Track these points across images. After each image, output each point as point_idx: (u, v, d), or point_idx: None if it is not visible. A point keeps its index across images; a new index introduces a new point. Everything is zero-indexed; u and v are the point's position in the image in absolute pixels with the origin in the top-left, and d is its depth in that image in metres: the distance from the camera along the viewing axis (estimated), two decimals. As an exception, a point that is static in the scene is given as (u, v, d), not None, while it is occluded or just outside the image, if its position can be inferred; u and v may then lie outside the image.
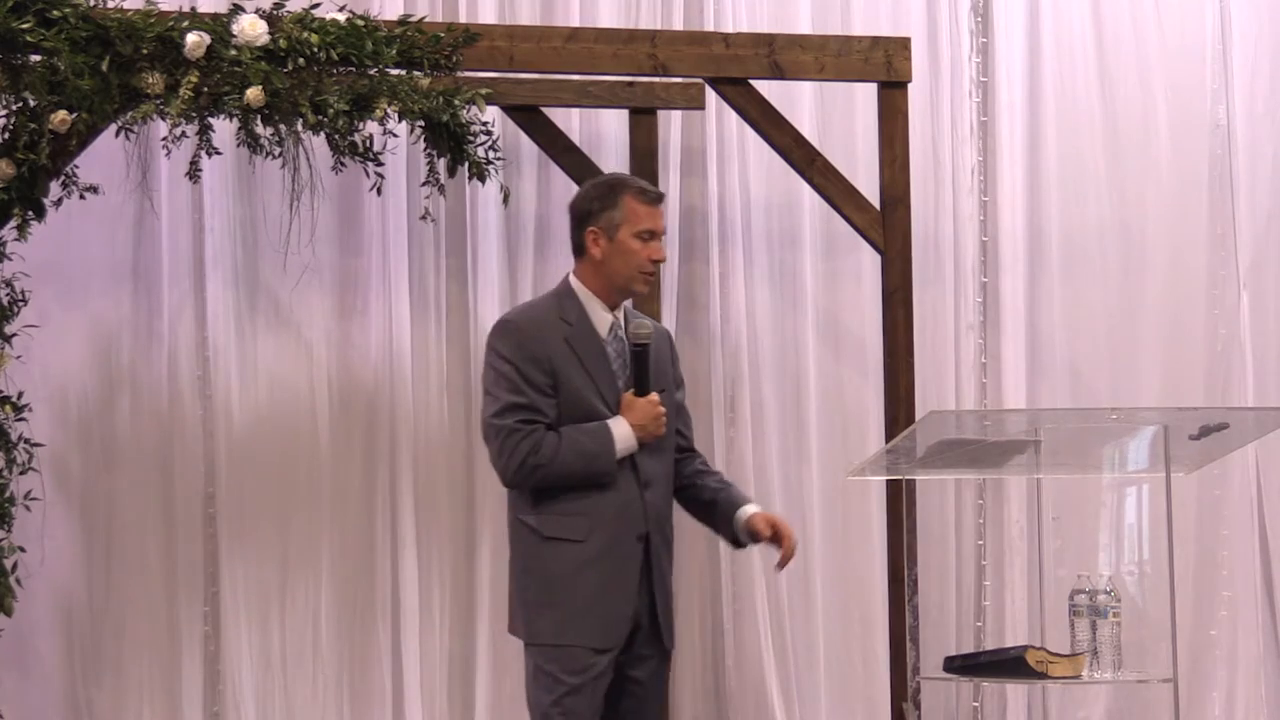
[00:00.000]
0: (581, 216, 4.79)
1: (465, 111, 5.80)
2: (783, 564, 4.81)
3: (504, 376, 4.70)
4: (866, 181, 6.47)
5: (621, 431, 4.66)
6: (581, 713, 4.59)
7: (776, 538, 4.78)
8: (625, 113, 6.61)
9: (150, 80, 5.55)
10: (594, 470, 4.64)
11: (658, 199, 4.81)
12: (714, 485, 4.93)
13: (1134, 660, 5.27)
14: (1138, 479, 6.23)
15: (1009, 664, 5.00)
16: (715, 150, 6.89)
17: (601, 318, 4.78)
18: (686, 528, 6.77)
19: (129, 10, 5.60)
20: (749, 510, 4.84)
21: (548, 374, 4.68)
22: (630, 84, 6.48)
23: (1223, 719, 7.11)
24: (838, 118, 6.97)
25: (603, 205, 4.76)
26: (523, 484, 4.67)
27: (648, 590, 4.71)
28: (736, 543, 4.90)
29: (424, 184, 5.88)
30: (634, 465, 4.69)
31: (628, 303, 4.91)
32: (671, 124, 6.80)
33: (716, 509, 4.88)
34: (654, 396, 4.71)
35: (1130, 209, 7.22)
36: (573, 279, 4.82)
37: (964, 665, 5.18)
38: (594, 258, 4.76)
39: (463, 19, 6.53)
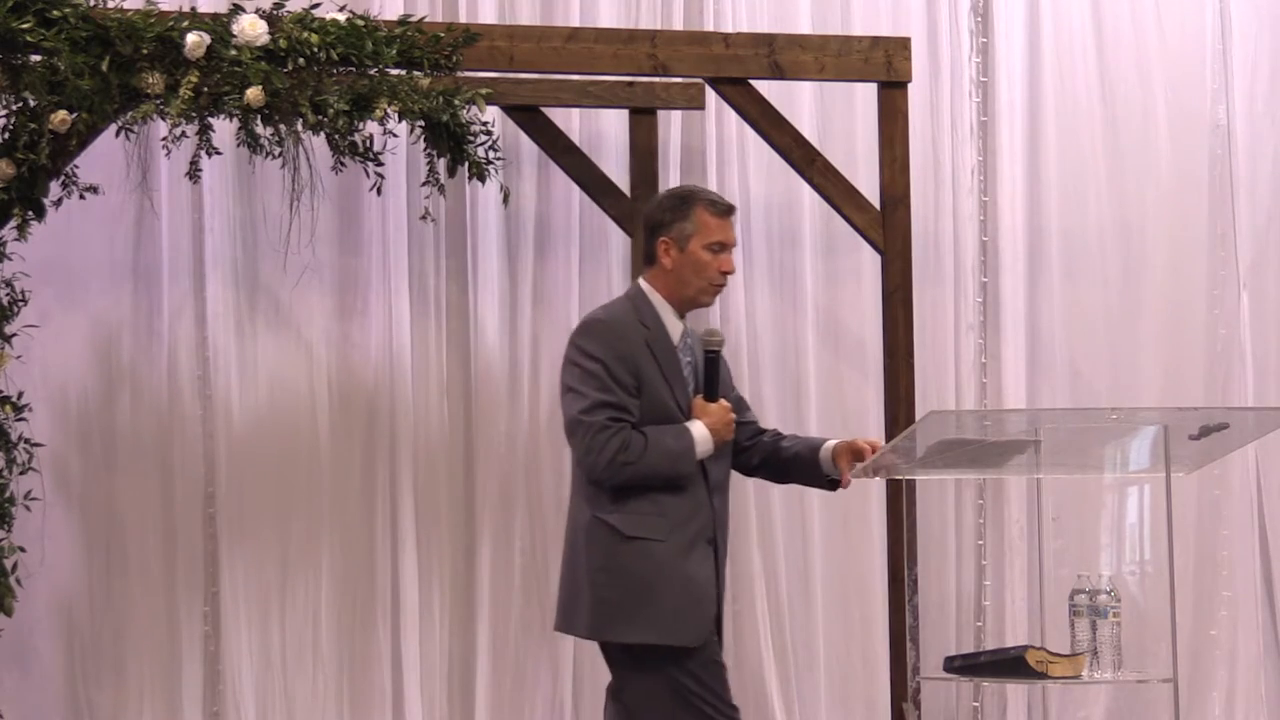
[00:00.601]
0: (654, 226, 4.88)
1: (465, 111, 5.79)
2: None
3: (592, 375, 4.75)
4: (866, 181, 6.46)
5: (700, 434, 4.75)
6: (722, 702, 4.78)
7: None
8: (625, 113, 6.62)
9: (150, 80, 5.55)
10: (677, 471, 4.71)
11: (728, 211, 4.90)
12: (789, 443, 5.05)
13: (1134, 660, 5.27)
14: (1138, 479, 6.22)
15: (1009, 664, 4.99)
16: (715, 150, 6.89)
17: (673, 324, 4.87)
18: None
19: (129, 10, 5.60)
20: (830, 444, 4.95)
21: (633, 374, 4.76)
22: (630, 84, 6.48)
23: (1223, 719, 7.11)
24: (838, 118, 6.97)
25: (674, 216, 4.85)
26: (609, 480, 4.72)
27: (717, 595, 4.80)
28: (832, 484, 4.99)
29: (424, 184, 5.88)
30: (704, 470, 4.78)
31: None
32: (671, 124, 6.81)
33: (800, 461, 4.99)
34: (724, 402, 4.82)
35: (1130, 209, 7.22)
36: (644, 285, 4.90)
37: (964, 665, 5.17)
38: (665, 267, 4.86)
39: (463, 19, 6.53)
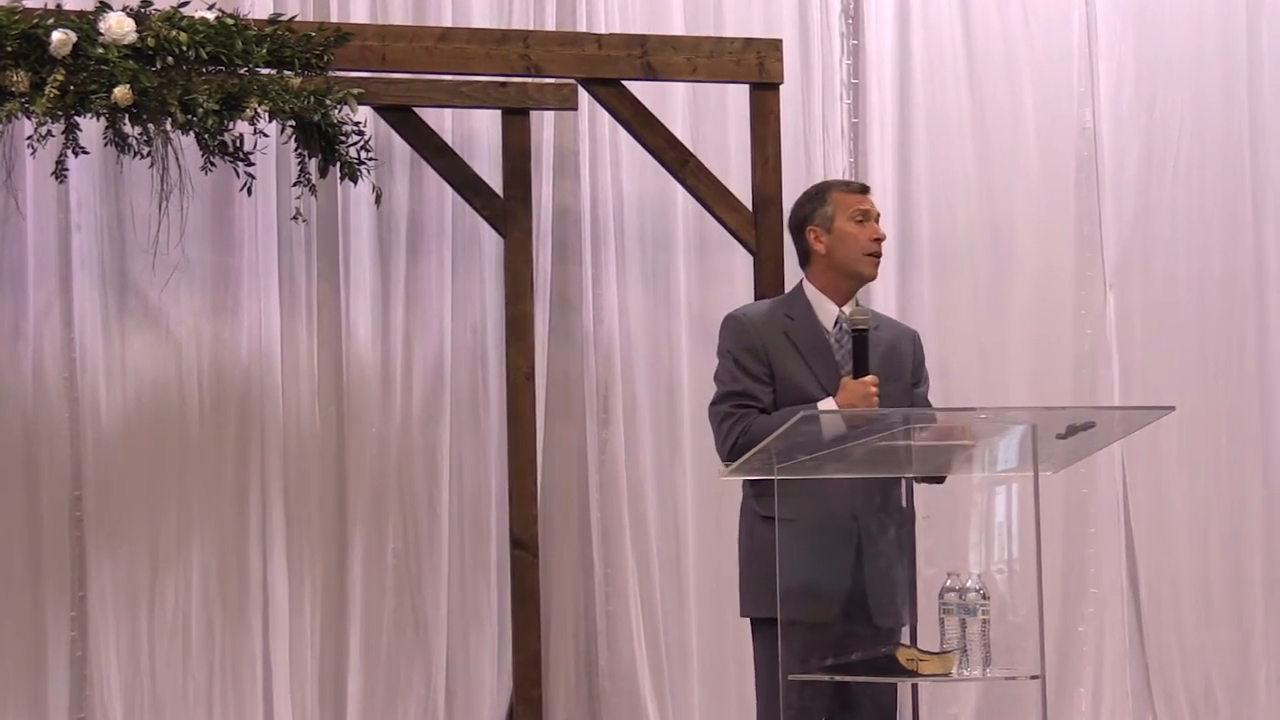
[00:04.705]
0: (799, 223, 5.13)
1: (337, 111, 5.77)
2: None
3: (723, 367, 5.05)
4: (739, 183, 6.50)
5: (826, 410, 4.83)
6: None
7: None
8: (498, 113, 6.59)
9: (15, 78, 5.47)
10: None
11: (863, 188, 5.13)
12: None
13: (1003, 657, 5.31)
14: (1006, 478, 6.28)
15: (880, 662, 5.02)
16: (588, 151, 6.89)
17: (827, 312, 5.06)
18: (558, 530, 6.79)
19: (-8, 7, 5.53)
20: None
21: (764, 363, 4.99)
22: (503, 84, 6.45)
23: (1089, 714, 7.20)
24: (710, 119, 6.99)
25: (814, 205, 5.11)
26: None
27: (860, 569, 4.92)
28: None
29: (295, 184, 5.84)
30: None
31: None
32: (544, 125, 6.79)
33: None
34: (869, 378, 4.89)
35: (999, 210, 7.29)
36: (805, 283, 5.14)
37: (835, 664, 5.20)
38: (820, 254, 5.09)
39: (334, 18, 6.48)
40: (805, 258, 5.15)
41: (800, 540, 4.84)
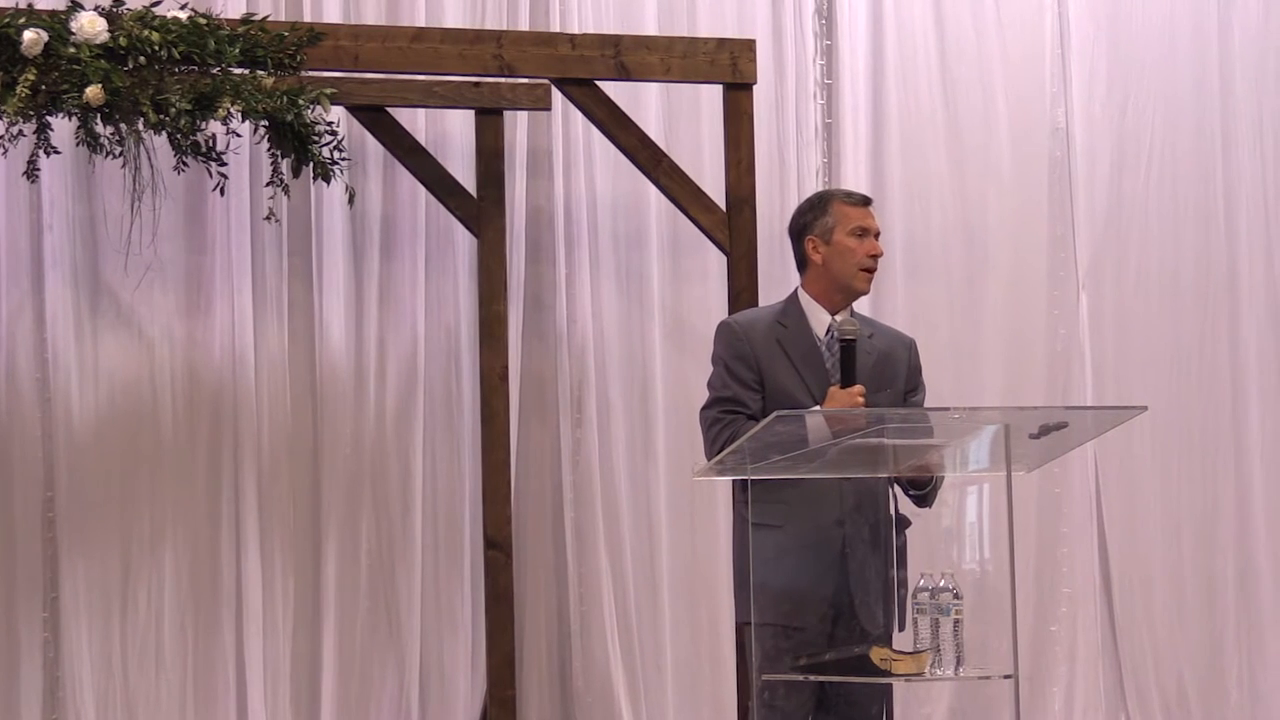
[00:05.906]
0: (799, 231, 5.16)
1: (310, 111, 5.76)
2: None
3: (716, 373, 5.10)
4: (712, 183, 6.50)
5: (814, 420, 4.81)
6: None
7: None
8: (471, 113, 6.58)
9: (-14, 78, 5.47)
10: None
11: (865, 201, 5.16)
12: None
13: (976, 657, 5.32)
14: (979, 477, 6.29)
15: (853, 662, 5.02)
16: (562, 151, 6.88)
17: (820, 320, 5.09)
18: (531, 530, 6.79)
19: (-36, 7, 5.51)
20: None
21: (754, 370, 5.03)
22: (476, 84, 6.45)
23: (1062, 713, 7.21)
24: (684, 119, 6.99)
25: (815, 215, 5.13)
26: None
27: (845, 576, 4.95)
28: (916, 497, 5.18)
29: (268, 184, 5.83)
30: None
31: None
32: (518, 125, 6.79)
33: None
34: (856, 388, 4.92)
35: (972, 211, 7.31)
36: (800, 290, 5.16)
37: (809, 664, 5.21)
38: (816, 264, 5.11)
39: (307, 18, 6.48)
40: (801, 265, 5.17)
41: (788, 547, 4.86)
